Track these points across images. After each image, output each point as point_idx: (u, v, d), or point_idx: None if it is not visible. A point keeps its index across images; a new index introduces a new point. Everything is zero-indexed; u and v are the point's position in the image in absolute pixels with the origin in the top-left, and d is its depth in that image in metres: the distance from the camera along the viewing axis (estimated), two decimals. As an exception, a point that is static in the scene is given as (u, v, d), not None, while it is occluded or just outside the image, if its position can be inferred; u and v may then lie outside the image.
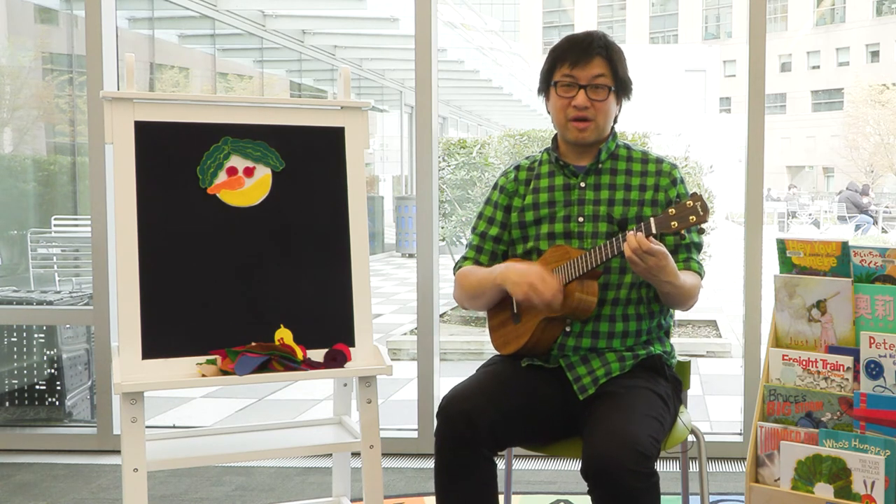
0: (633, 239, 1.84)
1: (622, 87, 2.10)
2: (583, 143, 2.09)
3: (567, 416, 2.03)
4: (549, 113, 2.16)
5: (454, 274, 2.22)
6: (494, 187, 2.23)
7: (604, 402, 1.94)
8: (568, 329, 2.05)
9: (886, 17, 42.52)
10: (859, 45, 42.82)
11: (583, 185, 2.11)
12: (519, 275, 1.97)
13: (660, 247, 1.85)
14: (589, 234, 2.07)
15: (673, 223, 1.83)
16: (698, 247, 2.11)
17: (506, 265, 2.05)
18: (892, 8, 43.14)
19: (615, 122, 2.16)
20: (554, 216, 2.10)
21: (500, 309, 2.14)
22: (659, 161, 2.14)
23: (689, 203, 1.83)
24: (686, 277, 1.99)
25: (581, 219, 2.08)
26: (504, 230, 2.18)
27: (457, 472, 1.90)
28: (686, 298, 2.02)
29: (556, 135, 2.18)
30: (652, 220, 1.85)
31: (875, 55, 42.09)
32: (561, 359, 2.05)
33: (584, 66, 2.04)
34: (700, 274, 2.09)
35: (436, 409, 1.97)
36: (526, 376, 2.05)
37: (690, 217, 1.82)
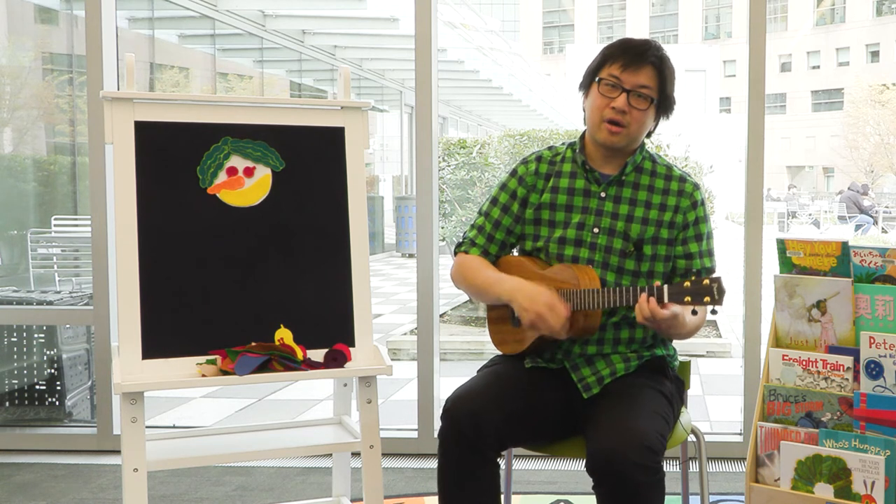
0: (646, 307, 1.83)
1: (665, 104, 2.05)
2: (611, 146, 2.04)
3: (569, 416, 2.03)
4: (583, 111, 2.10)
5: (455, 254, 2.18)
6: (513, 174, 2.16)
7: (609, 399, 1.94)
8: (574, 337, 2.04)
9: (886, 17, 42.51)
10: (859, 45, 42.82)
11: (603, 195, 2.07)
12: (529, 300, 1.93)
13: (670, 312, 1.84)
14: (602, 246, 2.04)
15: (686, 298, 1.82)
16: (710, 272, 2.09)
17: (517, 282, 1.99)
18: (892, 8, 43.12)
19: (648, 136, 2.12)
20: (569, 221, 2.07)
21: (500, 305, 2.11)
22: (682, 180, 2.10)
23: (707, 282, 1.81)
24: (692, 320, 1.95)
25: (596, 230, 2.05)
26: (517, 223, 2.13)
27: (461, 473, 1.90)
28: (689, 335, 2.02)
29: (583, 134, 2.13)
30: (665, 288, 1.83)
31: (875, 55, 42.10)
32: (566, 360, 2.05)
33: (634, 71, 1.99)
34: None
35: (436, 409, 1.98)
36: (529, 377, 2.05)
37: (705, 297, 1.81)
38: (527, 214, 2.12)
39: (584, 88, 2.09)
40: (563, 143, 2.19)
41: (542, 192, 2.11)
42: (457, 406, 1.91)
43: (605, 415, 1.87)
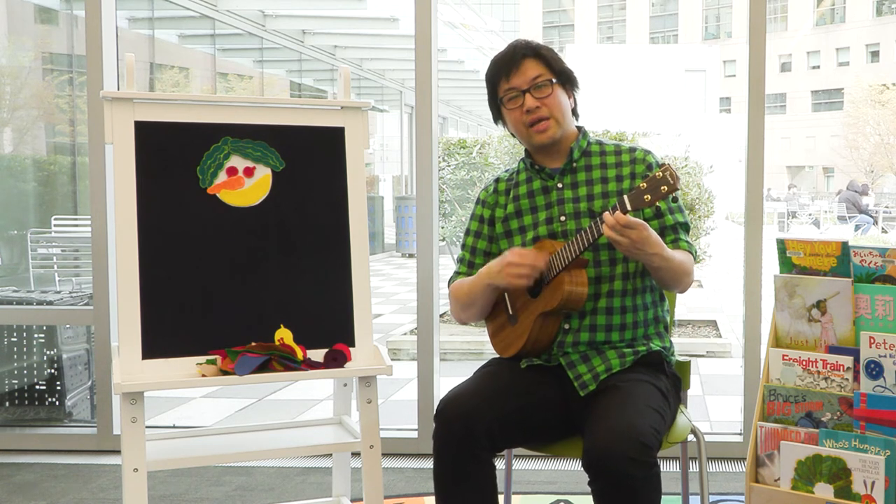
0: (610, 217, 1.84)
1: (564, 79, 2.12)
2: (549, 142, 2.11)
3: (567, 416, 2.03)
4: (513, 136, 2.19)
5: (449, 289, 2.24)
6: (476, 202, 2.26)
7: (605, 395, 1.94)
8: (567, 326, 2.06)
9: (886, 17, 42.52)
10: (859, 45, 42.83)
11: (560, 185, 2.13)
12: (497, 262, 2.01)
13: (636, 219, 1.85)
14: (573, 231, 2.08)
15: (646, 196, 1.82)
16: (685, 227, 2.11)
17: (488, 264, 2.07)
18: (892, 8, 43.14)
19: (577, 116, 2.18)
20: (537, 221, 2.12)
21: (496, 314, 2.16)
22: (632, 150, 2.15)
23: (659, 174, 1.81)
24: (675, 252, 1.99)
25: (563, 218, 2.09)
26: (492, 242, 2.21)
27: (456, 475, 1.90)
28: (680, 275, 2.01)
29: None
30: (625, 196, 1.85)
31: (875, 55, 42.11)
32: (561, 357, 2.06)
33: (517, 72, 2.08)
34: (691, 253, 2.08)
35: (435, 411, 1.97)
36: (524, 377, 2.05)
37: (662, 187, 1.81)
38: (497, 230, 2.19)
39: (498, 119, 2.19)
40: (517, 162, 2.27)
41: (505, 206, 2.19)
42: (448, 408, 1.92)
43: (601, 412, 1.87)
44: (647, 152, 2.15)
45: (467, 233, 2.25)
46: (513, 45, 2.13)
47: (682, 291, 2.11)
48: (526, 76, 2.07)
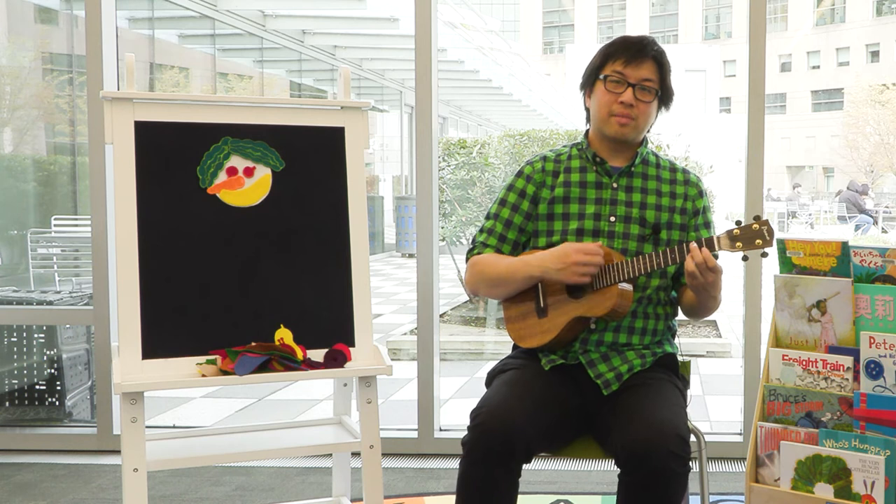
0: (699, 253, 1.86)
1: (665, 96, 2.13)
2: (621, 138, 2.10)
3: (584, 417, 2.04)
4: (586, 109, 2.17)
5: (467, 259, 2.18)
6: (519, 175, 2.18)
7: (636, 392, 1.97)
8: (593, 326, 2.07)
9: (886, 17, 42.50)
10: (859, 45, 42.80)
11: (615, 185, 2.12)
12: (558, 260, 1.97)
13: (719, 265, 1.90)
14: (620, 234, 2.08)
15: (738, 244, 1.85)
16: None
17: (540, 254, 2.03)
18: (892, 8, 43.12)
19: (648, 130, 2.18)
20: (583, 212, 2.10)
21: (521, 300, 2.11)
22: (686, 172, 2.20)
23: (756, 226, 1.85)
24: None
25: (612, 219, 2.09)
26: (529, 220, 2.15)
27: (485, 484, 1.87)
28: (713, 312, 2.08)
29: (586, 132, 2.20)
30: (716, 238, 1.88)
31: (875, 55, 42.08)
32: (581, 355, 2.06)
33: (637, 66, 2.06)
34: None
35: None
36: (552, 383, 2.03)
37: (756, 241, 1.85)
38: (539, 210, 2.14)
39: (588, 87, 2.15)
40: (564, 146, 2.23)
41: (553, 188, 2.14)
42: (489, 421, 1.86)
43: (634, 408, 1.89)
44: (699, 178, 2.20)
45: (502, 203, 2.17)
46: (645, 38, 2.10)
47: (697, 319, 2.18)
48: (641, 73, 2.06)
